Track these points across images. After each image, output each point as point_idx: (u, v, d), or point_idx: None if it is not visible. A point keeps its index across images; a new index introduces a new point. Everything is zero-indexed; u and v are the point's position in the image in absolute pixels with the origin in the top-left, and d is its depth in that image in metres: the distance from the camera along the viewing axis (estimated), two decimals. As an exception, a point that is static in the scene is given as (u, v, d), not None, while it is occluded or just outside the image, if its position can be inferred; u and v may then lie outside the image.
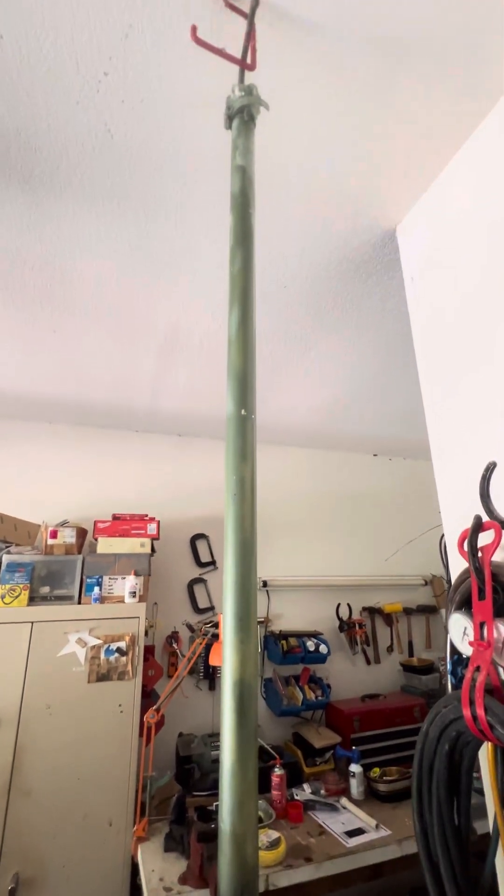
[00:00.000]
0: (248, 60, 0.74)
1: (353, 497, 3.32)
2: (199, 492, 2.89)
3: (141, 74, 0.89)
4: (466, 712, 0.67)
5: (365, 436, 3.11)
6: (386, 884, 1.94)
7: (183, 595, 2.67)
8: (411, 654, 3.02)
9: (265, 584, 2.80)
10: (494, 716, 0.63)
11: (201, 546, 2.79)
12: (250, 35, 0.72)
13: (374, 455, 3.52)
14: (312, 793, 2.06)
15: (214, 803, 1.89)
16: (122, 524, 2.27)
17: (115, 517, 2.32)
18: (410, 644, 3.05)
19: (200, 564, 2.74)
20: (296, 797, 2.01)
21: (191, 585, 2.68)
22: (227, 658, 0.42)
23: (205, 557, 2.77)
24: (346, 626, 2.86)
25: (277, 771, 1.98)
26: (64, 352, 1.93)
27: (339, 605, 2.94)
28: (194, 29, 0.76)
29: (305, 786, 2.11)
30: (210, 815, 1.78)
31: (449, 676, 0.83)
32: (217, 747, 2.14)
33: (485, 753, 0.72)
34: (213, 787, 2.04)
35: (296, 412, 2.67)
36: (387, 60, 0.87)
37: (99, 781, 1.79)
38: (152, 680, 2.14)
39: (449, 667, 0.83)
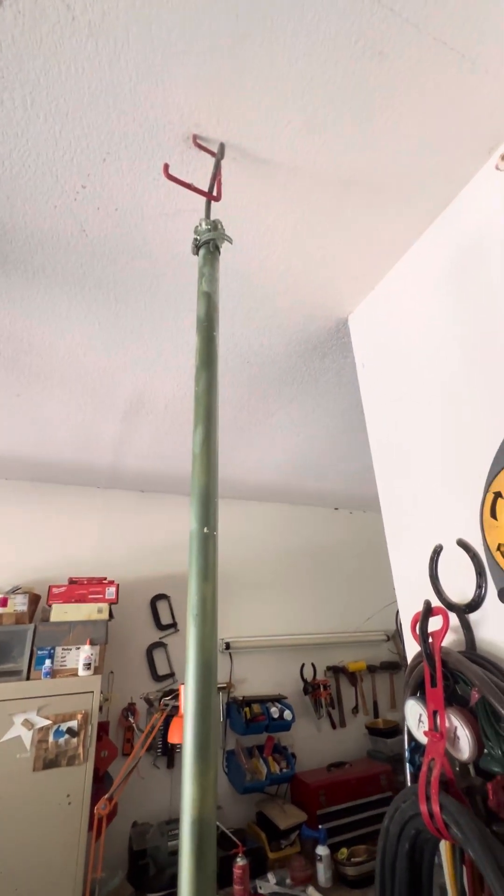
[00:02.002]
0: (215, 193, 0.84)
1: (314, 551, 3.35)
2: (161, 549, 2.84)
3: (117, 189, 0.98)
4: (423, 808, 0.68)
5: (325, 491, 3.21)
6: None
7: (141, 662, 2.54)
8: (376, 714, 2.97)
9: (228, 646, 2.72)
10: (449, 815, 0.64)
11: (162, 607, 2.70)
12: (216, 174, 0.82)
13: (336, 509, 3.61)
14: (277, 883, 1.93)
15: (170, 906, 1.72)
16: (79, 588, 2.18)
17: (72, 581, 2.22)
18: (375, 704, 3.01)
19: (161, 627, 2.64)
20: (260, 890, 1.87)
21: (150, 651, 2.57)
22: (185, 792, 0.42)
23: (165, 619, 2.67)
24: (310, 689, 2.80)
25: (240, 861, 1.85)
26: (27, 414, 1.92)
27: (303, 665, 2.88)
28: (166, 167, 0.86)
29: (270, 875, 1.97)
30: (165, 921, 1.62)
31: (407, 765, 0.84)
32: (176, 836, 1.98)
33: (444, 850, 0.73)
34: (171, 885, 1.87)
35: (258, 470, 2.73)
36: (336, 190, 1.01)
37: (37, 891, 1.60)
38: (105, 762, 1.99)
39: (407, 754, 0.85)
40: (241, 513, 3.20)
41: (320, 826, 2.13)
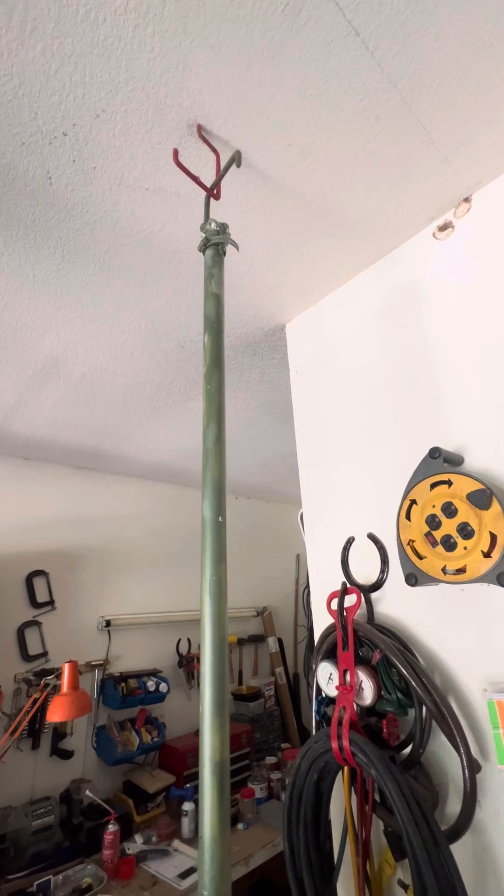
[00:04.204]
0: (215, 191, 0.86)
1: (197, 532, 3.47)
2: (44, 523, 2.64)
3: (101, 149, 0.92)
4: (335, 745, 0.85)
5: (219, 476, 3.34)
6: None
7: (9, 641, 2.36)
8: (241, 682, 3.26)
9: (108, 623, 2.69)
10: (356, 745, 0.83)
11: (39, 584, 2.53)
12: (223, 175, 0.85)
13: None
14: (144, 842, 2.04)
15: (35, 882, 1.70)
16: None
17: None
18: (240, 673, 3.29)
19: (36, 605, 2.47)
20: (128, 851, 1.95)
21: (21, 630, 2.39)
22: (206, 742, 0.49)
23: (42, 597, 2.51)
24: (185, 661, 2.94)
25: (111, 828, 1.90)
26: None
27: (179, 640, 3.00)
28: (176, 153, 0.86)
29: (137, 836, 2.07)
30: (30, 899, 1.60)
31: (314, 714, 1.02)
32: (39, 816, 1.94)
33: (341, 776, 0.92)
34: (33, 863, 1.83)
35: (156, 450, 2.71)
36: (309, 212, 1.11)
37: None
38: (-33, 749, 1.83)
39: (314, 706, 1.02)
40: (129, 491, 3.13)
41: (187, 785, 2.29)
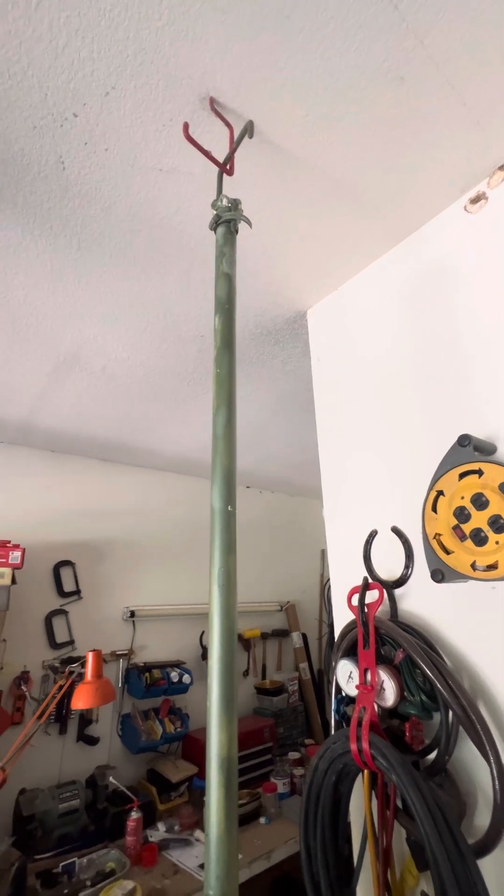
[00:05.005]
0: (228, 167, 0.83)
1: (224, 525, 3.47)
2: (70, 515, 2.69)
3: (112, 129, 0.90)
4: (353, 747, 0.81)
5: (240, 469, 3.32)
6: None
7: (38, 629, 2.42)
8: (264, 676, 3.24)
9: (133, 613, 2.72)
10: (376, 749, 0.78)
11: (66, 574, 2.59)
12: (235, 148, 0.81)
13: (247, 487, 3.76)
14: (167, 831, 2.05)
15: (61, 864, 1.74)
16: (-22, 551, 1.98)
17: (-31, 543, 2.01)
18: (264, 667, 3.28)
19: (63, 594, 2.53)
20: (150, 839, 1.97)
21: (49, 618, 2.45)
22: (213, 737, 0.47)
23: (69, 587, 2.57)
24: (207, 654, 2.94)
25: (134, 815, 1.93)
26: None
27: (202, 632, 3.01)
28: (186, 126, 0.82)
29: (160, 824, 2.09)
30: (55, 880, 1.64)
31: (333, 714, 0.98)
32: (65, 799, 1.98)
33: (359, 782, 0.88)
34: (59, 845, 1.88)
35: (179, 442, 2.71)
36: (328, 188, 1.05)
37: None
38: (-4, 732, 1.89)
39: (334, 705, 0.98)
40: (153, 484, 3.15)
41: (210, 777, 2.30)
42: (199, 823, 2.12)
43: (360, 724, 0.83)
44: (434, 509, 0.89)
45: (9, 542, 2.10)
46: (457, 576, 0.83)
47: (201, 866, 1.82)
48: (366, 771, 0.84)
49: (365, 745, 0.80)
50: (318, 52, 0.78)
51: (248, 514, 3.67)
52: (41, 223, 1.12)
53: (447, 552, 0.85)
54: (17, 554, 2.06)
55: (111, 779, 2.09)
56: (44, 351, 1.68)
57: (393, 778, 0.74)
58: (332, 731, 0.95)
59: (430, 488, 0.90)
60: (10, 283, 1.33)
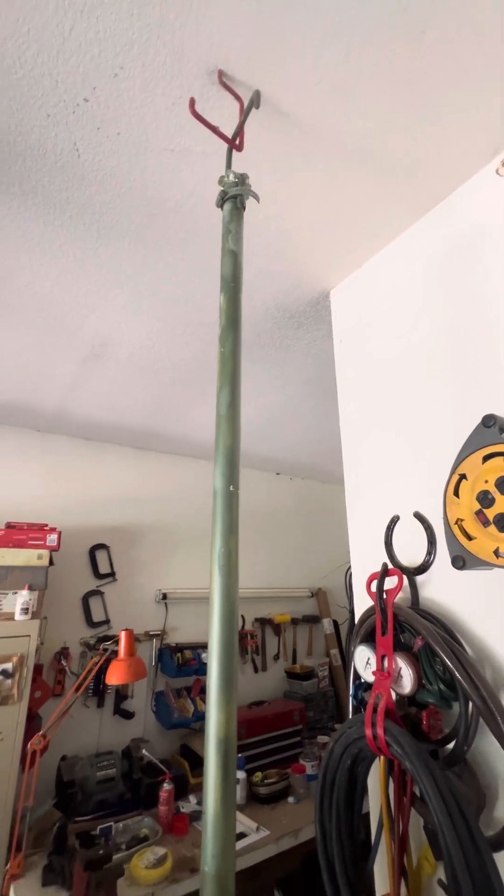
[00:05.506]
0: (237, 142, 0.80)
1: (253, 511, 3.49)
2: (104, 501, 2.79)
3: (123, 111, 0.90)
4: (368, 732, 0.80)
5: (269, 456, 3.31)
6: (260, 882, 2.08)
7: (76, 608, 2.54)
8: (294, 661, 3.27)
9: (165, 596, 2.80)
10: (391, 735, 0.77)
11: (101, 557, 2.69)
12: (244, 121, 0.78)
13: (277, 474, 3.75)
14: (197, 803, 2.13)
15: (99, 827, 1.84)
16: (18, 534, 2.09)
17: (10, 525, 2.13)
18: (294, 652, 3.30)
19: (99, 576, 2.64)
20: (182, 810, 2.05)
21: (86, 598, 2.57)
22: (211, 717, 0.47)
23: (104, 569, 2.67)
24: (238, 638, 2.99)
25: (166, 786, 2.01)
26: (-30, 343, 1.74)
27: (233, 616, 3.06)
28: (192, 102, 0.80)
29: (191, 797, 2.16)
30: (93, 841, 1.74)
31: (351, 699, 0.97)
32: (103, 767, 2.09)
33: (375, 768, 0.87)
34: (98, 809, 1.99)
35: (208, 429, 2.73)
36: (347, 158, 1.00)
37: (-32, 820, 1.63)
38: (38, 702, 2.01)
39: (352, 690, 0.98)
40: (183, 470, 3.20)
41: (239, 755, 2.36)
42: (229, 798, 2.19)
43: (375, 710, 0.82)
44: (456, 493, 0.85)
45: (46, 525, 2.20)
46: (479, 563, 0.80)
47: (230, 839, 1.88)
48: (381, 757, 0.83)
49: (380, 731, 0.78)
50: (330, 6, 0.74)
51: (280, 501, 3.67)
52: (60, 213, 1.14)
53: (469, 538, 0.81)
54: (54, 537, 2.16)
55: (145, 751, 2.18)
56: (71, 341, 1.73)
57: (407, 765, 0.73)
58: (350, 716, 0.94)
59: (453, 471, 0.86)
60: (37, 275, 1.37)
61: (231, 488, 0.54)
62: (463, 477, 0.84)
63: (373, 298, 1.28)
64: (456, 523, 0.84)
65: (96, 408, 2.36)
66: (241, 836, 1.89)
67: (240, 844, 1.82)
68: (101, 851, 1.58)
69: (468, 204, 1.05)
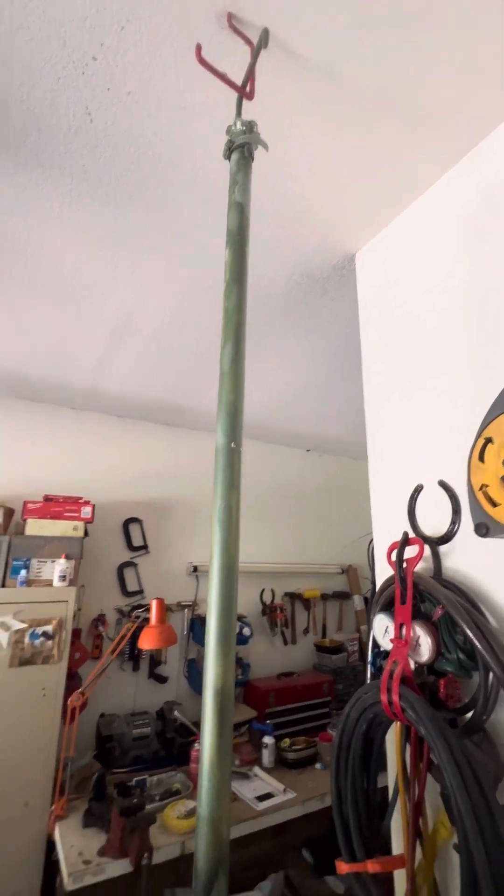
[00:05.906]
0: (247, 89, 0.76)
1: (283, 488, 3.48)
2: (136, 476, 2.86)
3: (132, 68, 0.87)
4: (384, 698, 0.80)
5: (299, 432, 3.27)
6: (287, 839, 2.16)
7: (112, 578, 2.66)
8: (324, 635, 3.30)
9: (195, 569, 2.88)
10: (406, 701, 0.76)
11: (134, 530, 2.78)
12: (253, 65, 0.74)
13: (307, 450, 3.71)
14: (228, 764, 2.21)
15: (135, 779, 1.96)
16: (55, 506, 2.19)
17: (48, 498, 2.23)
18: (324, 626, 3.33)
19: (132, 548, 2.74)
20: (212, 769, 2.14)
21: (121, 569, 2.68)
22: (209, 669, 0.48)
23: (137, 542, 2.77)
24: (268, 611, 3.05)
25: (197, 746, 2.10)
26: (3, 323, 1.80)
27: (263, 590, 3.11)
28: (199, 48, 0.77)
29: (222, 758, 2.25)
30: (129, 791, 1.85)
31: (369, 666, 0.97)
32: (138, 725, 2.21)
33: (392, 733, 0.87)
34: (134, 764, 2.12)
35: (239, 405, 2.73)
36: (370, 105, 0.94)
37: (16, 764, 1.78)
38: (78, 663, 2.14)
39: (370, 657, 0.97)
40: (212, 446, 3.22)
41: (268, 721, 2.43)
42: (258, 761, 2.27)
43: (392, 676, 0.81)
44: (481, 458, 0.80)
45: (80, 498, 2.29)
46: (503, 530, 0.76)
47: (258, 798, 1.95)
48: (397, 723, 0.82)
49: (395, 697, 0.78)
50: None
51: (310, 478, 3.65)
52: (78, 184, 1.13)
53: (494, 504, 0.77)
54: (88, 509, 2.25)
55: (177, 713, 2.28)
56: (97, 317, 1.75)
57: (421, 730, 0.72)
58: (368, 682, 0.94)
59: (478, 435, 0.82)
60: (63, 252, 1.38)
61: (233, 445, 0.54)
62: (489, 441, 0.79)
63: (400, 255, 1.21)
64: (480, 489, 0.80)
65: (123, 384, 2.40)
66: (269, 795, 1.96)
67: (266, 803, 1.90)
68: (135, 800, 1.68)
69: (499, 152, 0.96)
